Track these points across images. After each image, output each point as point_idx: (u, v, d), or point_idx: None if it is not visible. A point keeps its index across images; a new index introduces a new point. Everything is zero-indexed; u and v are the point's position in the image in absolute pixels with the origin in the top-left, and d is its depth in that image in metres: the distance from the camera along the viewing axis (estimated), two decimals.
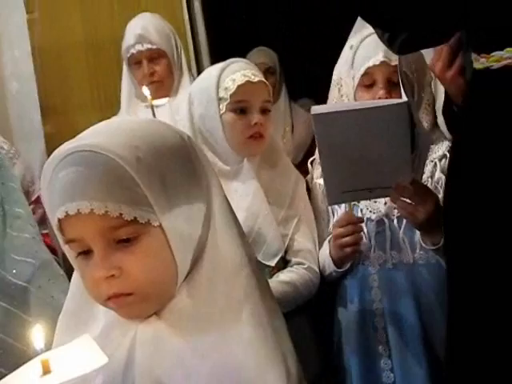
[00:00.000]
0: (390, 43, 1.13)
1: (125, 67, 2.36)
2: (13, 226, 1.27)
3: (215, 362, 0.86)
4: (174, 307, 0.90)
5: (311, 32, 3.22)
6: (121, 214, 0.84)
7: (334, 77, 1.73)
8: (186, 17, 2.81)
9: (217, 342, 0.87)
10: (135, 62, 2.30)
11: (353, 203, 1.62)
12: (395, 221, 1.61)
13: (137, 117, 2.27)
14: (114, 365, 0.86)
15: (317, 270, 1.66)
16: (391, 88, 1.62)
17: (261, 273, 0.98)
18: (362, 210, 1.65)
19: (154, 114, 1.90)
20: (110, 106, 2.68)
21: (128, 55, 2.30)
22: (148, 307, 0.90)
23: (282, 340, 0.91)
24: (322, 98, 1.80)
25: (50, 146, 2.47)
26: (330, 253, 1.63)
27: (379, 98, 1.60)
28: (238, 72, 1.63)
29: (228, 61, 1.68)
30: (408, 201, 1.47)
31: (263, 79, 1.66)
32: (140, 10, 2.55)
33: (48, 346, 0.74)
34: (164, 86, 2.29)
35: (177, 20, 2.73)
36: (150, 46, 2.26)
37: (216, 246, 0.91)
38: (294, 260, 1.65)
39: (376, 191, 1.49)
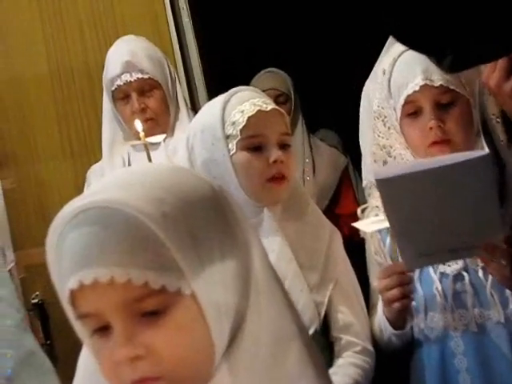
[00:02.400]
0: (438, 60, 1.07)
1: (107, 103, 2.26)
2: None
3: None
4: None
5: (330, 50, 3.23)
6: (146, 283, 0.83)
7: (374, 107, 1.66)
8: (175, 38, 2.70)
9: None
10: (121, 96, 2.20)
11: None
12: (480, 272, 1.55)
13: (129, 163, 2.21)
14: None
15: (371, 348, 1.61)
16: (441, 112, 1.56)
17: (315, 346, 0.96)
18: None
19: (148, 156, 1.83)
20: (84, 153, 2.66)
21: (112, 88, 2.20)
22: None
23: None
24: (346, 129, 1.80)
25: (11, 204, 2.38)
26: (383, 311, 1.58)
27: (430, 129, 1.55)
28: (245, 102, 1.56)
29: (231, 90, 1.61)
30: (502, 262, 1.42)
31: (277, 107, 1.60)
32: (117, 34, 2.52)
33: None
34: (158, 125, 2.19)
35: (163, 42, 2.62)
36: (140, 75, 2.17)
37: (259, 316, 0.90)
38: (344, 339, 1.60)
39: (460, 252, 1.46)
